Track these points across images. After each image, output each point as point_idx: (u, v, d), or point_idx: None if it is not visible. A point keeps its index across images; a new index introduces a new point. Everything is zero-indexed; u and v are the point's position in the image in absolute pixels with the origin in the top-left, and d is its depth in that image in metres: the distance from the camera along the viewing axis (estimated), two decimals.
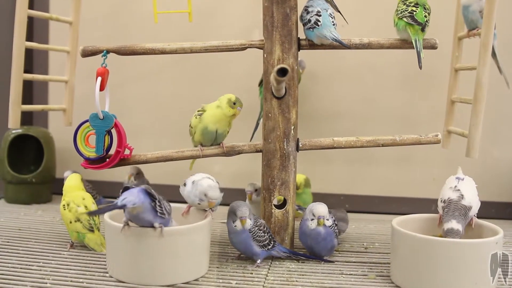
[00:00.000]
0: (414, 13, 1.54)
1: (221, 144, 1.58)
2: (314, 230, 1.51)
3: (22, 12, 1.74)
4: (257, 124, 2.01)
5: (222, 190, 1.51)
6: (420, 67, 1.53)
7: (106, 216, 1.40)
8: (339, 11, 1.60)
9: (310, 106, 2.14)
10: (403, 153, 2.13)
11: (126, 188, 1.34)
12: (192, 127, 1.58)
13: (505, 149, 2.12)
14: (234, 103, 1.55)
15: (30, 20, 1.85)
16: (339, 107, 2.16)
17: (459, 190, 1.44)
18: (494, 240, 1.31)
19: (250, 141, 1.97)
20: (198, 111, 1.58)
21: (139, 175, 1.91)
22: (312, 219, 1.51)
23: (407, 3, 1.57)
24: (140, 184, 1.84)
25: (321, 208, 1.51)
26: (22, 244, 1.60)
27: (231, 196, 1.67)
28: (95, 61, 1.54)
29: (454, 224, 1.39)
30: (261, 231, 1.47)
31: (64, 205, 1.57)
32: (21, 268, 1.41)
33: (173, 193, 1.71)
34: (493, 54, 1.66)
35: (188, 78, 2.23)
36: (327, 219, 1.51)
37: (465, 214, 1.41)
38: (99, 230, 1.58)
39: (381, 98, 2.15)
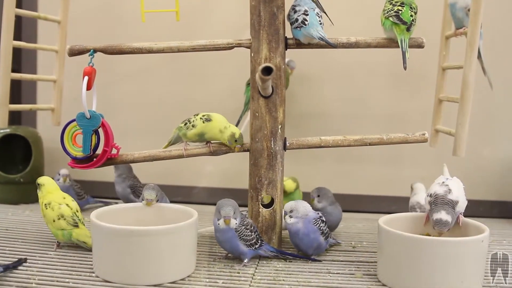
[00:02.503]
0: (400, 12, 1.54)
1: (208, 144, 1.58)
2: (286, 225, 1.55)
3: (9, 11, 1.74)
4: (238, 121, 2.02)
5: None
6: (405, 68, 1.53)
7: (93, 215, 1.39)
8: (324, 12, 1.59)
9: (297, 105, 2.15)
10: (392, 152, 2.13)
11: None
12: (193, 126, 1.57)
13: (492, 148, 2.13)
14: (236, 140, 1.56)
15: (18, 19, 1.85)
16: (327, 106, 2.16)
17: (447, 185, 1.45)
18: (480, 238, 1.31)
19: None
20: (203, 115, 1.57)
21: (116, 166, 1.91)
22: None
23: (393, 3, 1.57)
24: (120, 175, 1.86)
25: (286, 204, 1.54)
26: (8, 244, 1.59)
27: (221, 195, 1.67)
28: (84, 61, 1.54)
29: (443, 215, 1.39)
30: (248, 230, 1.47)
31: (45, 205, 1.56)
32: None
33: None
34: (478, 55, 1.66)
35: (176, 77, 2.23)
36: (290, 216, 1.52)
37: (452, 208, 1.41)
38: (84, 225, 1.57)
39: (370, 97, 2.15)
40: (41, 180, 1.61)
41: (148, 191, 1.56)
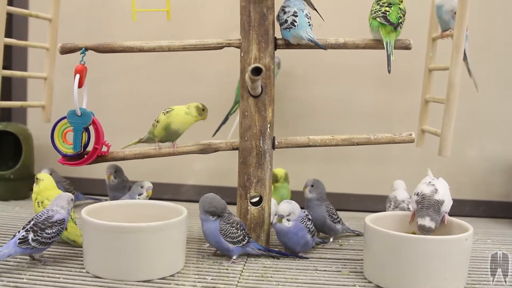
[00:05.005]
0: (387, 13, 1.56)
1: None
2: (275, 225, 1.56)
3: (1, 8, 1.75)
4: (226, 118, 2.04)
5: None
6: (389, 71, 1.55)
7: (83, 212, 1.41)
8: (315, 9, 1.61)
9: (286, 105, 2.16)
10: (379, 152, 2.15)
11: None
12: (157, 122, 1.61)
13: (478, 148, 2.16)
14: (203, 110, 1.63)
15: (10, 16, 1.85)
16: (316, 106, 2.18)
17: (433, 185, 1.47)
18: (464, 237, 1.34)
19: (213, 136, 1.99)
20: (166, 110, 1.62)
21: (117, 173, 1.90)
22: (275, 214, 1.55)
23: (381, 3, 1.59)
24: (120, 183, 1.85)
25: (282, 206, 1.54)
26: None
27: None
28: (74, 58, 1.55)
29: (427, 222, 1.41)
30: (233, 228, 1.49)
31: (38, 203, 1.57)
32: None
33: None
34: (464, 57, 1.68)
35: (166, 76, 2.24)
36: (288, 219, 1.53)
37: (438, 209, 1.43)
38: (76, 224, 1.58)
39: (357, 97, 2.17)
40: (41, 175, 1.61)
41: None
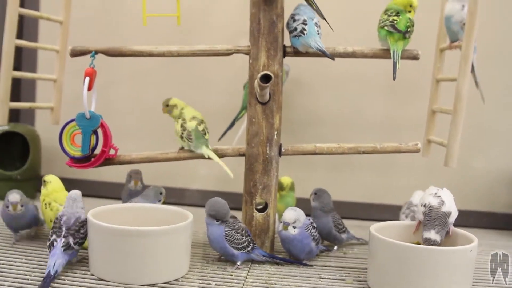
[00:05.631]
0: (395, 22, 1.57)
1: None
2: (281, 233, 1.56)
3: (13, 10, 1.75)
4: (233, 123, 2.04)
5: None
6: (394, 78, 1.55)
7: (89, 214, 1.41)
8: (324, 19, 1.62)
9: (294, 112, 2.17)
10: (385, 161, 2.16)
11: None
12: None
13: (483, 160, 2.16)
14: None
15: (21, 18, 1.86)
16: (323, 114, 2.18)
17: (439, 196, 1.47)
18: (469, 248, 1.34)
19: (219, 140, 1.99)
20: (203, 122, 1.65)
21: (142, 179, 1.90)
22: (280, 222, 1.56)
23: (389, 13, 1.60)
24: (144, 190, 1.85)
25: (287, 214, 1.54)
26: (5, 241, 1.61)
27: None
28: (84, 61, 1.56)
29: (432, 235, 1.41)
30: (238, 234, 1.50)
31: (46, 204, 1.58)
32: (3, 265, 1.42)
33: None
34: (471, 69, 1.68)
35: (175, 80, 2.25)
36: (294, 226, 1.54)
37: (445, 222, 1.43)
38: None
39: (365, 106, 2.18)
40: (48, 177, 1.62)
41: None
